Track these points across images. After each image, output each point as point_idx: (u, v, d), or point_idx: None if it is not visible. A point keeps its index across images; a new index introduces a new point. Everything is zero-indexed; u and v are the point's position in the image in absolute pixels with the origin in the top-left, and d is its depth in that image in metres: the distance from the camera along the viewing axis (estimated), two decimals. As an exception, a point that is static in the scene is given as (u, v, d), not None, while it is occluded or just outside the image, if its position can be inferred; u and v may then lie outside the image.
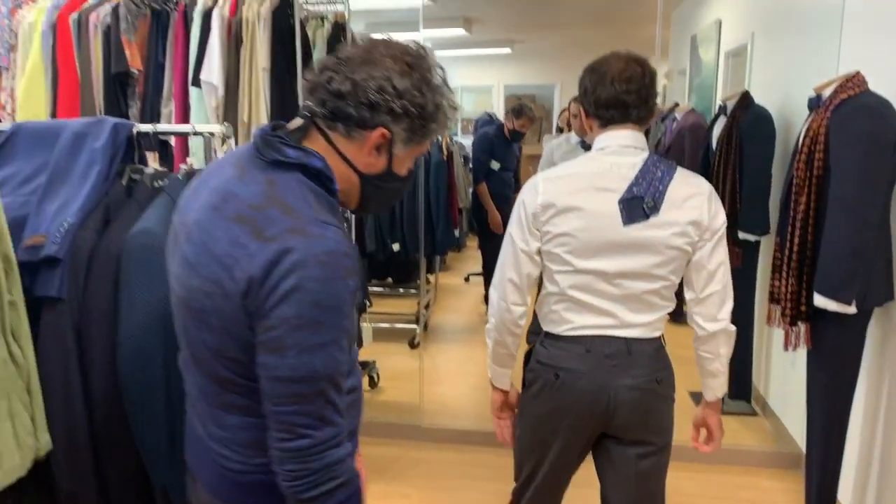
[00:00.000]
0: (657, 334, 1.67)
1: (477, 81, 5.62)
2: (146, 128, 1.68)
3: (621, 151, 1.64)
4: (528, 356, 1.77)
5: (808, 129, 2.24)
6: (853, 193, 2.08)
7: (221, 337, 1.06)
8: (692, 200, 1.60)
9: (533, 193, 1.64)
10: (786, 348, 2.31)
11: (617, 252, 1.59)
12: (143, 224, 1.51)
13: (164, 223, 1.53)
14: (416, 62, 1.11)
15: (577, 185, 1.62)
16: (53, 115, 2.72)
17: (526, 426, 1.78)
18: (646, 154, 1.65)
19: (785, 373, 3.31)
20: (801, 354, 2.63)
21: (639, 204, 1.58)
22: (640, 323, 1.63)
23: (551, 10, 5.24)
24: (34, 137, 1.67)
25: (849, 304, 2.11)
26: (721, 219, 1.62)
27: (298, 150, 1.09)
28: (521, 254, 1.66)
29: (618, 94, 1.61)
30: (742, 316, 3.47)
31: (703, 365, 1.73)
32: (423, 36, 3.61)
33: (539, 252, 1.66)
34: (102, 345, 1.51)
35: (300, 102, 2.78)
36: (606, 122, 1.66)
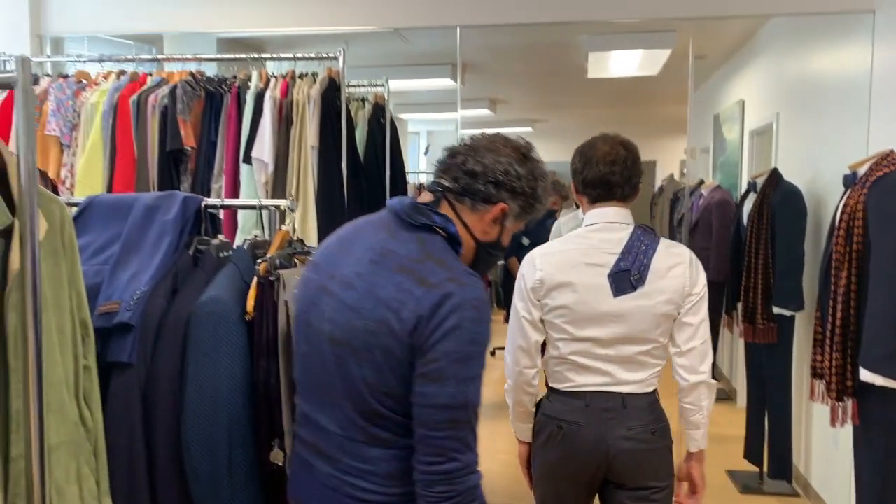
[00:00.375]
0: (650, 389, 1.81)
1: (501, 158, 5.76)
2: (214, 201, 1.77)
3: (608, 227, 1.82)
4: (536, 409, 1.91)
5: (844, 206, 2.29)
6: (894, 267, 2.11)
7: (381, 372, 1.22)
8: (675, 270, 1.78)
9: (531, 269, 1.82)
10: (833, 424, 2.29)
11: (609, 321, 1.76)
12: (211, 292, 1.57)
13: (230, 291, 1.59)
14: (528, 153, 1.37)
15: (570, 261, 1.79)
16: (109, 189, 2.84)
17: (538, 474, 1.90)
18: (631, 228, 1.82)
19: (828, 451, 3.24)
20: (845, 432, 2.59)
21: (626, 277, 1.75)
22: (634, 380, 1.78)
23: (571, 92, 5.44)
24: (108, 210, 1.76)
25: (895, 378, 2.10)
26: (701, 283, 1.79)
27: (442, 217, 1.31)
28: (525, 323, 1.82)
29: (603, 175, 1.80)
30: (779, 392, 3.44)
31: (686, 417, 1.83)
32: (458, 116, 3.77)
33: (542, 320, 1.82)
34: (167, 409, 1.55)
35: (343, 177, 2.90)
36: (594, 199, 1.85)
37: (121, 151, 2.85)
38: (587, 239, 1.83)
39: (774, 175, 3.49)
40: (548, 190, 1.39)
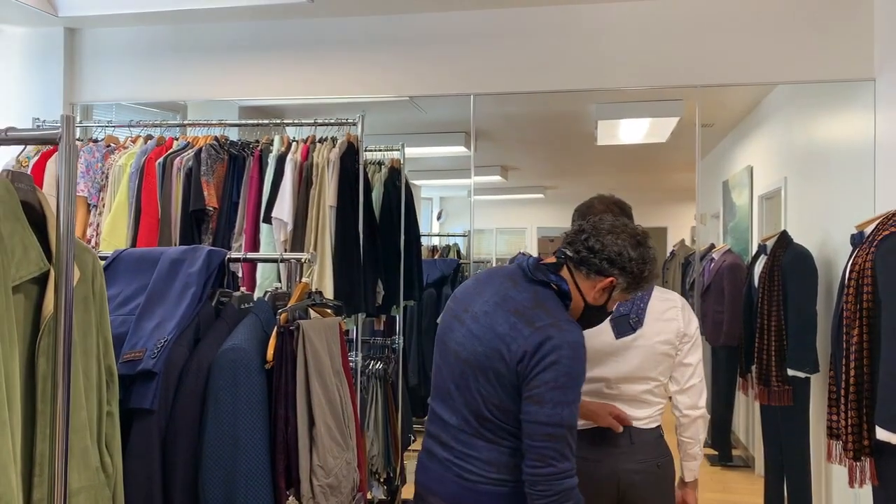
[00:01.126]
0: (655, 425, 2.00)
1: (511, 223, 5.87)
2: (237, 255, 1.83)
3: None
4: None
5: (853, 265, 2.32)
6: (906, 325, 2.12)
7: (493, 387, 1.56)
8: (669, 312, 1.99)
9: None
10: (851, 485, 2.25)
11: (613, 361, 1.96)
12: (232, 341, 1.61)
13: (251, 340, 1.64)
14: (643, 240, 1.67)
15: None
16: (133, 246, 2.92)
17: None
18: None
19: (849, 517, 3.16)
20: (865, 493, 2.55)
21: (625, 320, 1.96)
22: (640, 417, 1.97)
23: (581, 159, 5.56)
24: (134, 263, 1.83)
25: (913, 437, 2.09)
26: (694, 325, 2.01)
27: (557, 277, 1.65)
28: None
29: None
30: (798, 455, 3.38)
31: (684, 450, 2.04)
32: (471, 182, 3.87)
33: None
34: (186, 455, 1.57)
35: (359, 235, 2.98)
36: None
37: (145, 211, 2.95)
38: None
39: (784, 237, 3.54)
40: (654, 273, 1.68)
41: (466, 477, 1.60)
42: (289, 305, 1.72)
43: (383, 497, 3.59)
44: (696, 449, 2.01)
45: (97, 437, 1.48)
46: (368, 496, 3.47)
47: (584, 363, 1.54)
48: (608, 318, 1.91)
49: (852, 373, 2.25)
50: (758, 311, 3.53)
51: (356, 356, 3.13)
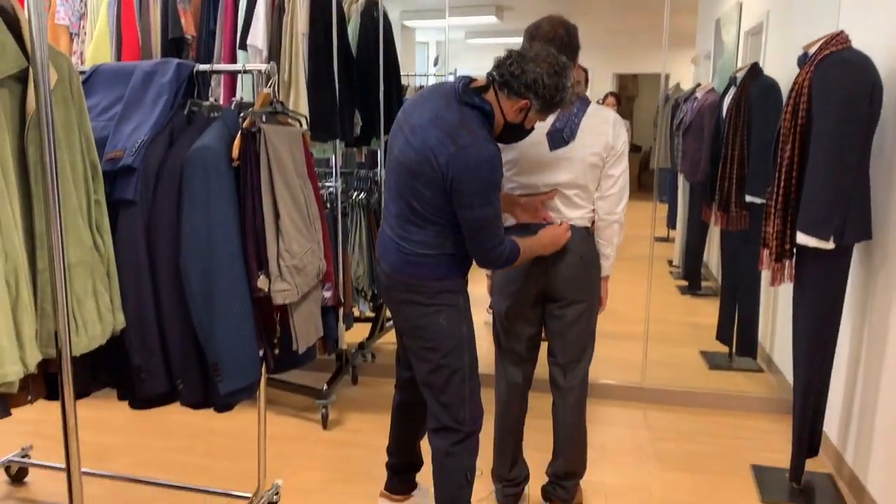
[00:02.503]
0: (583, 225, 2.24)
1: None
2: (205, 67, 1.98)
3: None
4: None
5: (793, 85, 2.45)
6: (832, 139, 2.28)
7: (423, 187, 1.87)
8: (601, 127, 2.18)
9: None
10: (772, 284, 2.51)
11: (548, 170, 2.18)
12: (201, 142, 1.80)
13: (218, 141, 1.83)
14: (560, 70, 1.87)
15: None
16: (118, 76, 3.04)
17: (494, 291, 2.37)
18: None
19: (788, 331, 3.50)
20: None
21: (560, 135, 2.16)
22: (570, 217, 2.22)
23: (580, 2, 5.44)
24: (111, 75, 1.98)
25: (826, 240, 2.31)
26: (623, 139, 2.21)
27: (480, 99, 1.89)
28: None
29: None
30: (749, 276, 3.67)
31: (600, 250, 2.29)
32: (449, 23, 3.88)
33: None
34: (167, 242, 1.81)
35: (334, 65, 3.08)
36: None
37: (126, 39, 3.04)
38: None
39: (754, 69, 3.61)
40: (565, 99, 1.90)
41: (403, 250, 1.97)
42: (250, 111, 1.90)
43: (369, 313, 3.94)
44: (609, 250, 2.29)
45: (88, 222, 1.71)
46: (356, 312, 3.82)
47: (500, 172, 1.87)
48: (545, 133, 2.17)
49: (782, 184, 2.44)
50: (723, 141, 3.67)
51: (336, 182, 3.34)
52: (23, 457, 2.66)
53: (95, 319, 1.71)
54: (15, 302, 1.48)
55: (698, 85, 5.20)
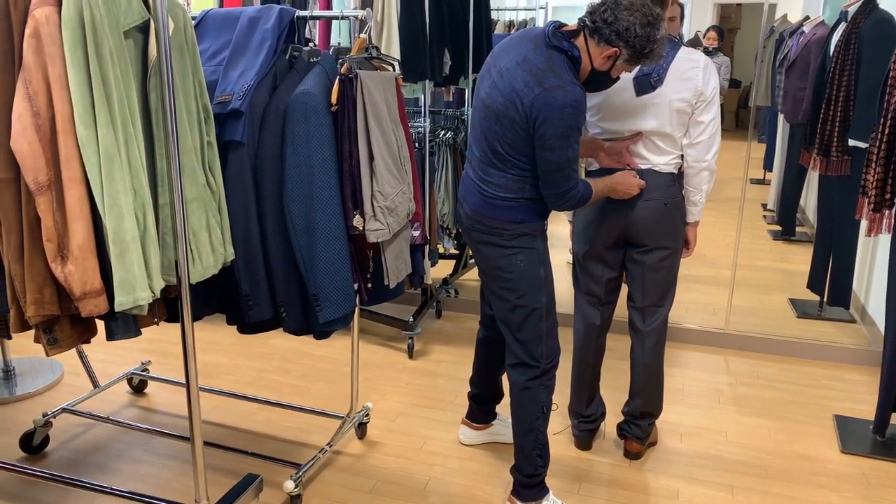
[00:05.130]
0: (668, 171, 2.22)
1: None
2: (304, 13, 2.06)
3: None
4: None
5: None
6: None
7: (506, 130, 1.92)
8: (690, 72, 2.14)
9: None
10: (868, 234, 2.44)
11: (634, 116, 2.17)
12: (303, 87, 1.91)
13: (318, 87, 1.93)
14: (653, 22, 1.87)
15: None
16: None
17: (574, 232, 2.41)
18: None
19: (885, 281, 3.38)
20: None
21: (647, 80, 2.14)
22: (655, 162, 2.21)
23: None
24: (219, 21, 2.10)
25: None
26: (713, 84, 2.16)
27: (569, 43, 1.92)
28: None
29: None
30: (846, 225, 3.53)
31: (688, 196, 2.30)
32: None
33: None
34: (272, 180, 1.95)
35: (426, 8, 3.11)
36: None
37: (228, -20, 3.16)
38: None
39: (868, 3, 3.38)
40: (655, 52, 1.89)
41: (484, 193, 2.03)
42: (348, 57, 1.98)
43: (454, 250, 4.06)
44: (699, 197, 2.28)
45: (202, 161, 1.86)
46: (441, 249, 3.95)
47: (584, 115, 1.89)
48: (631, 78, 2.16)
49: (887, 131, 2.34)
50: (828, 80, 3.49)
51: (424, 122, 3.41)
52: (143, 370, 2.96)
53: (209, 251, 1.87)
54: (143, 234, 1.65)
55: (807, 18, 4.89)
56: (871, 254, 3.65)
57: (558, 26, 1.94)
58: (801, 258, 4.58)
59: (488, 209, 2.02)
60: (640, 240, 2.26)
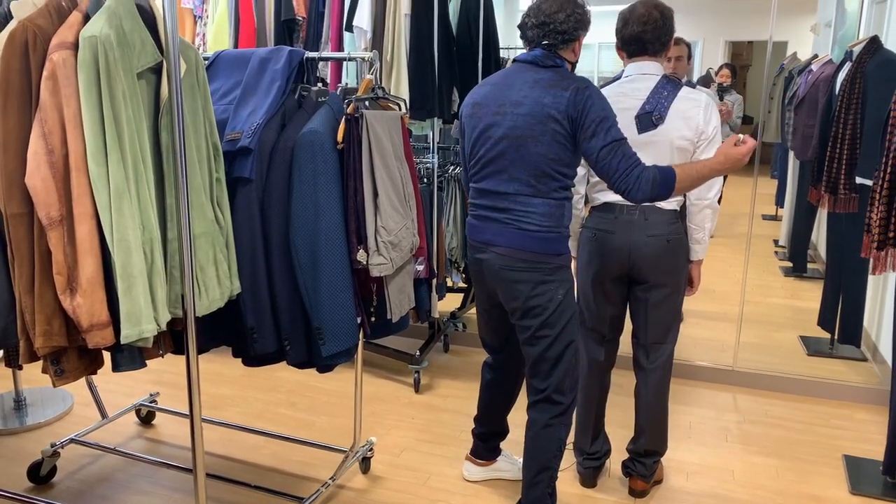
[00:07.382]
0: (670, 208, 2.24)
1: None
2: (313, 54, 2.13)
3: (640, 78, 2.23)
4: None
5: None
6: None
7: (549, 146, 1.95)
8: (691, 111, 2.17)
9: None
10: (873, 272, 2.44)
11: (636, 153, 2.10)
12: (310, 125, 1.96)
13: (325, 126, 1.98)
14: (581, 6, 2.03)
15: None
16: (235, 56, 3.28)
17: (578, 269, 2.41)
18: (658, 78, 2.21)
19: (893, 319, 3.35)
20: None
21: (648, 118, 2.18)
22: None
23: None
24: (231, 62, 2.17)
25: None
26: (713, 124, 2.18)
27: (560, 59, 2.02)
28: None
29: (637, 34, 2.19)
30: (855, 262, 3.52)
31: (691, 234, 2.32)
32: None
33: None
34: (279, 216, 1.99)
35: (434, 45, 3.18)
36: (631, 55, 2.26)
37: (243, 21, 3.26)
38: (621, 88, 2.24)
39: (873, 42, 3.42)
40: (587, 14, 2.04)
41: (525, 228, 2.02)
42: (354, 97, 2.03)
43: (462, 283, 4.09)
44: (701, 234, 2.30)
45: (210, 197, 1.91)
46: (449, 282, 3.97)
47: (607, 100, 1.97)
48: (633, 116, 2.20)
49: (888, 170, 2.35)
50: (834, 118, 3.51)
51: (433, 158, 3.47)
52: (151, 402, 2.99)
53: (215, 284, 1.91)
54: (151, 268, 1.69)
55: (815, 56, 4.94)
56: (881, 291, 3.63)
57: (540, 53, 2.03)
58: (812, 295, 4.55)
59: (531, 243, 2.01)
60: (643, 276, 2.27)
